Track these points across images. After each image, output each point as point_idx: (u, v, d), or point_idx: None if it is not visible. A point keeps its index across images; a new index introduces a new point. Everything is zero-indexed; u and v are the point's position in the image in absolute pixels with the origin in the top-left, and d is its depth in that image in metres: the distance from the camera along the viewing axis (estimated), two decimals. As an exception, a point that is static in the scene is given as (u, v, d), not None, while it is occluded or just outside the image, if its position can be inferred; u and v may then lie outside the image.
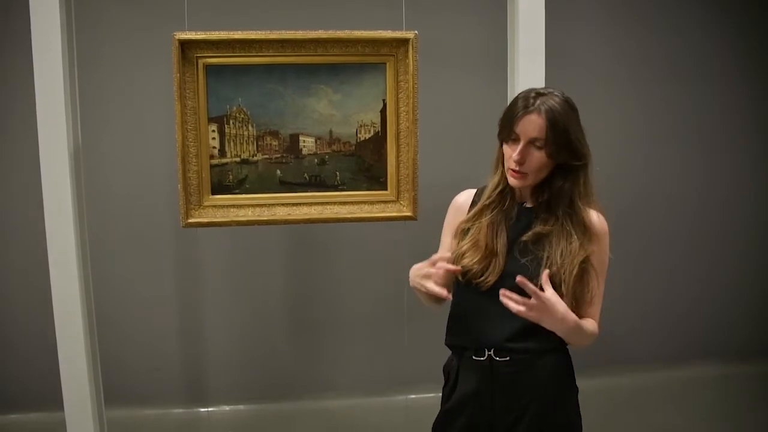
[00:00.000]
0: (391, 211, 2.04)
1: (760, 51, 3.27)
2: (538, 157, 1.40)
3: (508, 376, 1.45)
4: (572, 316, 1.36)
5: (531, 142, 1.39)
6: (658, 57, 3.16)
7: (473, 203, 1.56)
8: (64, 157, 1.85)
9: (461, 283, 1.48)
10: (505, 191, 1.50)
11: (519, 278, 1.32)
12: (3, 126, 2.79)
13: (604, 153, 3.19)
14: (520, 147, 1.39)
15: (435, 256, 1.43)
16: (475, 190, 1.60)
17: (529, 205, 1.49)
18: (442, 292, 1.38)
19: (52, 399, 2.22)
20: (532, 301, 1.31)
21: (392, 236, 2.52)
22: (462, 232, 1.52)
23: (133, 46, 2.77)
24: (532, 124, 1.38)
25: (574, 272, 1.40)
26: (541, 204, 1.47)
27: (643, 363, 3.30)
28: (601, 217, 1.49)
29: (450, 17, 2.91)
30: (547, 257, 1.41)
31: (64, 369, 1.91)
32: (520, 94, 1.44)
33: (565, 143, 1.39)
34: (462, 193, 1.63)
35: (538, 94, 1.40)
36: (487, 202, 1.50)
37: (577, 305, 1.44)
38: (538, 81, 1.92)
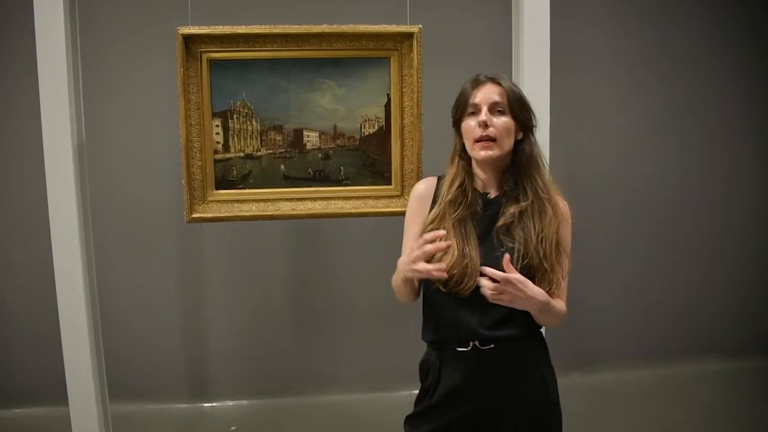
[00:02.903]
0: (395, 206, 2.03)
1: (761, 50, 3.26)
2: (503, 121, 1.43)
3: (492, 363, 1.44)
4: (541, 291, 1.36)
5: (492, 109, 1.42)
6: (659, 55, 3.15)
7: (436, 191, 1.52)
8: (68, 153, 1.85)
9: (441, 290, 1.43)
10: (464, 184, 1.47)
11: (483, 269, 1.33)
12: (5, 123, 2.79)
13: (606, 150, 3.23)
14: (484, 110, 1.42)
15: (428, 236, 1.34)
16: (436, 178, 1.56)
17: (492, 195, 1.47)
18: (441, 267, 1.32)
19: (57, 393, 2.23)
20: (500, 285, 1.31)
21: (396, 231, 2.50)
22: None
23: (136, 41, 2.76)
24: (490, 92, 1.44)
25: (553, 246, 1.41)
26: (506, 191, 1.45)
27: (644, 358, 3.30)
28: (564, 202, 1.50)
29: (454, 12, 2.90)
30: (525, 240, 1.40)
31: (68, 364, 1.92)
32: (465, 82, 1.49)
33: (523, 103, 1.45)
34: (422, 181, 1.58)
35: (485, 75, 1.47)
36: (448, 199, 1.46)
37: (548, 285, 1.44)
38: (542, 76, 1.93)
